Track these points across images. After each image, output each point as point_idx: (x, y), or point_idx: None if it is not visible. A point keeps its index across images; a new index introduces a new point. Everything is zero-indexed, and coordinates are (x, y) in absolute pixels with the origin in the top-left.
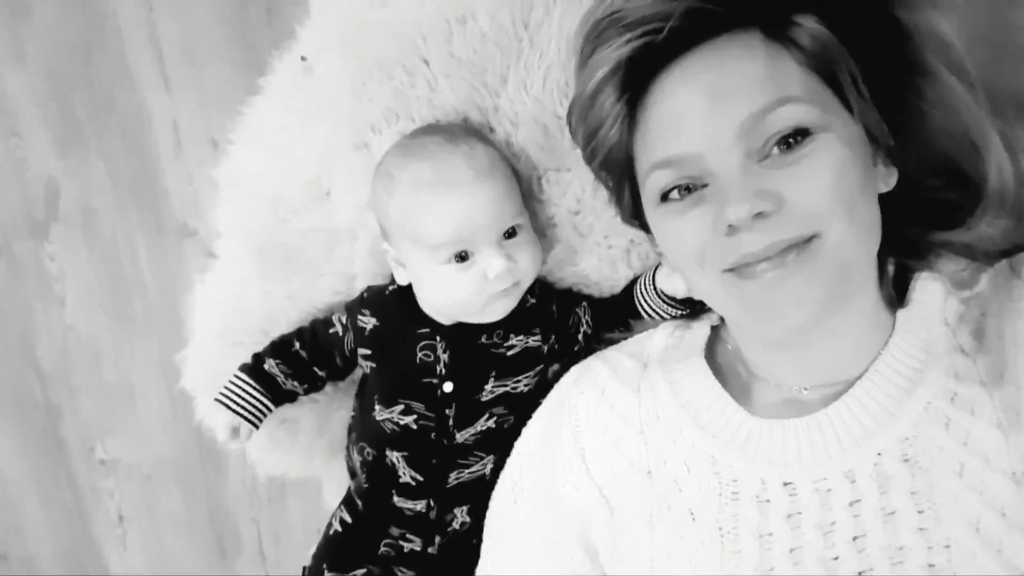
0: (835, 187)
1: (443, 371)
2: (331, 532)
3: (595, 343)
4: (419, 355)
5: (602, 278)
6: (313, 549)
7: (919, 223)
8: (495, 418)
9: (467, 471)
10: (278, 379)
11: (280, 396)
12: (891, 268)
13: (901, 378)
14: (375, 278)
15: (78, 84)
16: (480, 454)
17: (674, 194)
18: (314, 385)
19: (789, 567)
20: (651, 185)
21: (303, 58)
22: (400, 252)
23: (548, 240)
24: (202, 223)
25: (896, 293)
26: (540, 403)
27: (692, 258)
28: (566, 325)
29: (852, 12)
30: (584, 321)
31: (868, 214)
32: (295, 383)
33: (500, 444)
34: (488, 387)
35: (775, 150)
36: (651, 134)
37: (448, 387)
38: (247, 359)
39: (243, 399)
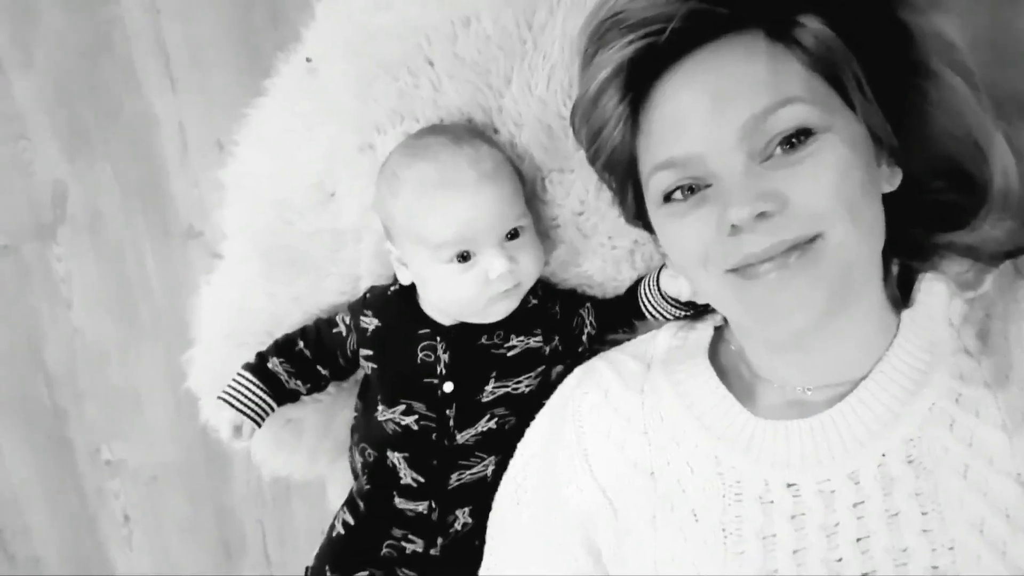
0: (838, 187)
1: (443, 371)
2: (333, 534)
3: (599, 344)
4: (420, 355)
5: (606, 279)
6: (316, 551)
7: (923, 224)
8: (496, 419)
9: (468, 472)
10: (281, 378)
11: (283, 395)
12: (895, 269)
13: (906, 379)
14: (379, 279)
15: (85, 88)
16: (481, 455)
17: (677, 195)
18: (317, 385)
19: (793, 568)
20: (654, 186)
21: (308, 59)
22: (403, 252)
23: (552, 241)
24: (208, 225)
25: (900, 294)
26: (543, 404)
27: (695, 259)
28: (570, 326)
29: (856, 13)
30: (588, 322)
31: (871, 214)
32: (298, 382)
33: (502, 445)
34: (489, 388)
35: (778, 150)
36: (654, 135)
37: (448, 387)
38: (252, 358)
39: (246, 397)
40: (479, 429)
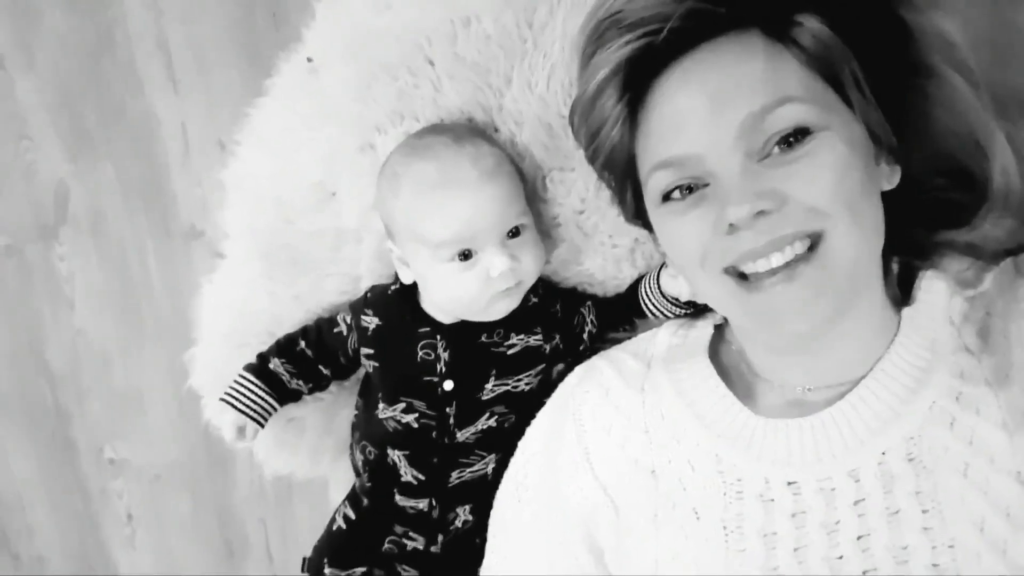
0: (836, 184)
1: (443, 369)
2: (334, 527)
3: (600, 342)
4: (420, 354)
5: (607, 277)
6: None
7: (924, 223)
8: (496, 417)
9: (468, 470)
10: (283, 378)
11: (285, 395)
12: (896, 267)
13: (907, 377)
14: (380, 278)
15: (87, 89)
16: (481, 453)
17: (676, 194)
18: (319, 384)
19: (794, 566)
20: (653, 185)
21: (309, 60)
22: (404, 251)
23: (552, 240)
24: (209, 225)
25: (901, 292)
26: (543, 403)
27: (693, 258)
28: (571, 325)
29: (856, 12)
30: (589, 320)
31: (871, 212)
32: (300, 382)
33: (502, 443)
34: (488, 386)
35: (776, 149)
36: (652, 135)
37: (448, 385)
38: (253, 359)
39: (248, 398)
40: (479, 427)
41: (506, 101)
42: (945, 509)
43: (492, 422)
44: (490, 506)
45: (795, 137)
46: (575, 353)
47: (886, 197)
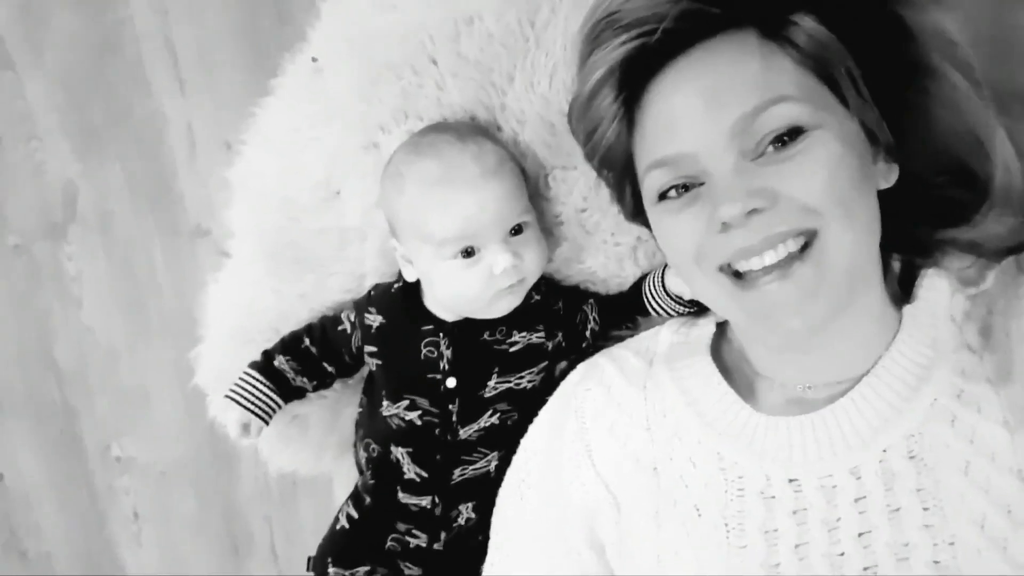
0: (829, 182)
1: (446, 367)
2: (337, 527)
3: (602, 340)
4: (423, 351)
5: (609, 275)
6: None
7: (925, 220)
8: (499, 414)
9: (471, 468)
10: (287, 375)
11: (289, 392)
12: (896, 265)
13: (908, 374)
14: (384, 277)
15: (95, 89)
16: (484, 451)
17: (671, 193)
18: (323, 381)
19: (795, 563)
20: (649, 184)
21: (314, 59)
22: (408, 249)
23: (555, 238)
24: (216, 224)
25: (902, 290)
26: (546, 400)
27: (689, 256)
28: (573, 322)
29: (853, 10)
30: (591, 318)
31: (866, 211)
32: (304, 379)
33: (504, 441)
34: (491, 383)
35: (769, 148)
36: (648, 135)
37: (451, 383)
38: (258, 357)
39: (253, 395)
40: (482, 425)
41: (509, 100)
42: (946, 506)
43: (495, 419)
44: (493, 503)
45: (788, 136)
46: (578, 351)
47: (887, 195)
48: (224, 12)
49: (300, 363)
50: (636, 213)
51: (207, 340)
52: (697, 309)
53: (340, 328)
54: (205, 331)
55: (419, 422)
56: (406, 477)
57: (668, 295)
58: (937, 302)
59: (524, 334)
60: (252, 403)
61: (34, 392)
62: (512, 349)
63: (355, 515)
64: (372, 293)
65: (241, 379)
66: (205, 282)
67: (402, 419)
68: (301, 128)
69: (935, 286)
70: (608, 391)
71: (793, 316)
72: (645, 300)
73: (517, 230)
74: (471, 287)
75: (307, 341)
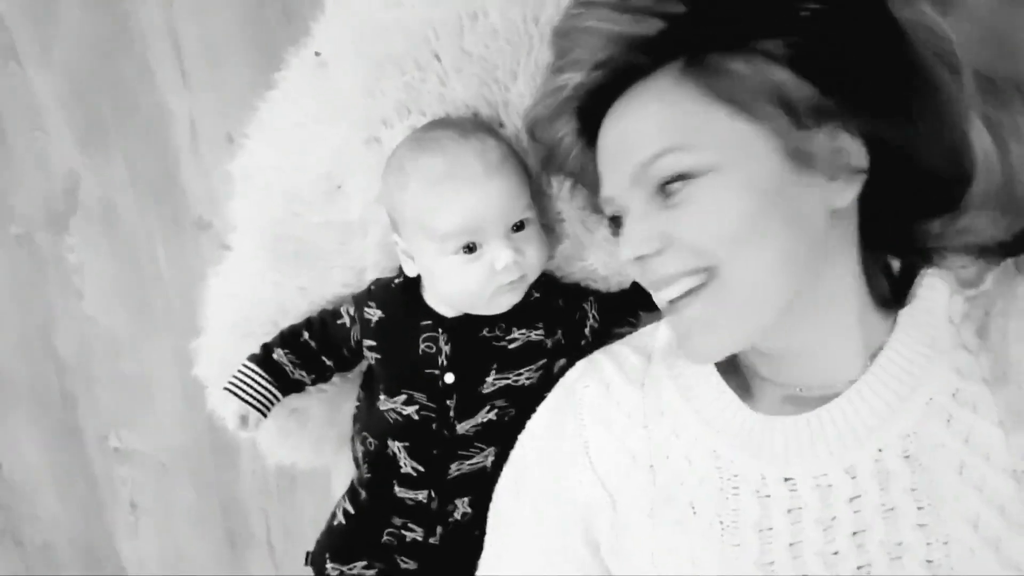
0: (719, 225)
1: (444, 362)
2: (335, 523)
3: (602, 338)
4: (421, 346)
5: (610, 273)
6: (318, 537)
7: (910, 211)
8: (496, 410)
9: (468, 463)
10: (286, 368)
11: (288, 385)
12: (896, 267)
13: (904, 373)
14: (385, 271)
15: (101, 82)
16: (481, 446)
17: (611, 223)
18: (322, 375)
19: (789, 561)
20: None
21: (317, 53)
22: (410, 244)
23: (556, 235)
24: (218, 216)
25: (901, 292)
26: (544, 397)
27: (633, 277)
28: (573, 320)
29: (841, 13)
30: (591, 315)
31: (776, 243)
32: (303, 373)
33: (501, 436)
34: (489, 379)
35: (669, 190)
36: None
37: (449, 378)
38: (258, 349)
39: (252, 388)
40: (479, 420)
41: (512, 96)
42: (940, 506)
43: (492, 415)
44: (489, 498)
45: (679, 182)
46: (577, 348)
47: (873, 192)
48: (229, 6)
49: (299, 356)
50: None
51: (207, 332)
52: None
53: (339, 322)
54: (205, 323)
55: (416, 417)
56: (403, 471)
57: None
58: (935, 302)
59: (523, 331)
60: (250, 395)
61: (35, 382)
62: (511, 346)
63: (351, 510)
64: (372, 287)
65: (240, 371)
66: (206, 274)
67: (399, 413)
68: (304, 122)
69: (933, 286)
70: (607, 388)
71: (702, 339)
72: (645, 297)
73: (519, 227)
74: (472, 283)
75: (306, 335)
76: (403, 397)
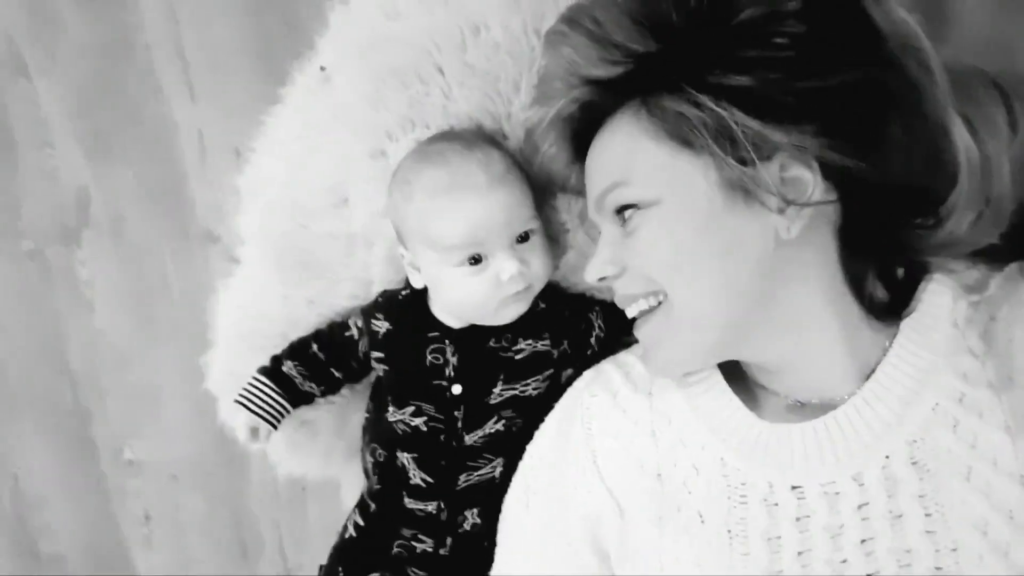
0: (662, 254)
1: (451, 374)
2: (346, 535)
3: (609, 347)
4: (429, 358)
5: None
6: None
7: (897, 215)
8: (504, 421)
9: (476, 473)
10: (295, 380)
11: (297, 397)
12: (900, 273)
13: (908, 379)
14: (392, 284)
15: (108, 96)
16: (489, 456)
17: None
18: (331, 387)
19: (797, 569)
20: None
21: (322, 68)
22: (416, 256)
23: (561, 246)
24: (225, 230)
25: (907, 298)
26: (551, 407)
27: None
28: (579, 330)
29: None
30: (597, 325)
31: (721, 271)
32: (312, 384)
33: (509, 447)
34: (496, 390)
35: (624, 218)
36: None
37: (457, 389)
38: (267, 362)
39: (261, 400)
40: (487, 431)
41: (514, 108)
42: (948, 512)
43: (500, 426)
44: (499, 509)
45: (626, 212)
46: (583, 358)
47: (862, 200)
48: (235, 20)
49: (308, 368)
50: None
51: (216, 345)
52: None
53: (347, 334)
54: (215, 336)
55: (424, 428)
56: (412, 482)
57: None
58: (939, 307)
59: (530, 341)
60: (261, 408)
61: (47, 395)
62: (518, 356)
63: (361, 523)
64: (380, 299)
65: (250, 384)
66: (215, 287)
67: (408, 424)
68: (310, 135)
69: (937, 292)
70: (614, 398)
71: (655, 359)
72: None
73: (524, 237)
74: (478, 294)
75: (315, 347)
76: (411, 408)
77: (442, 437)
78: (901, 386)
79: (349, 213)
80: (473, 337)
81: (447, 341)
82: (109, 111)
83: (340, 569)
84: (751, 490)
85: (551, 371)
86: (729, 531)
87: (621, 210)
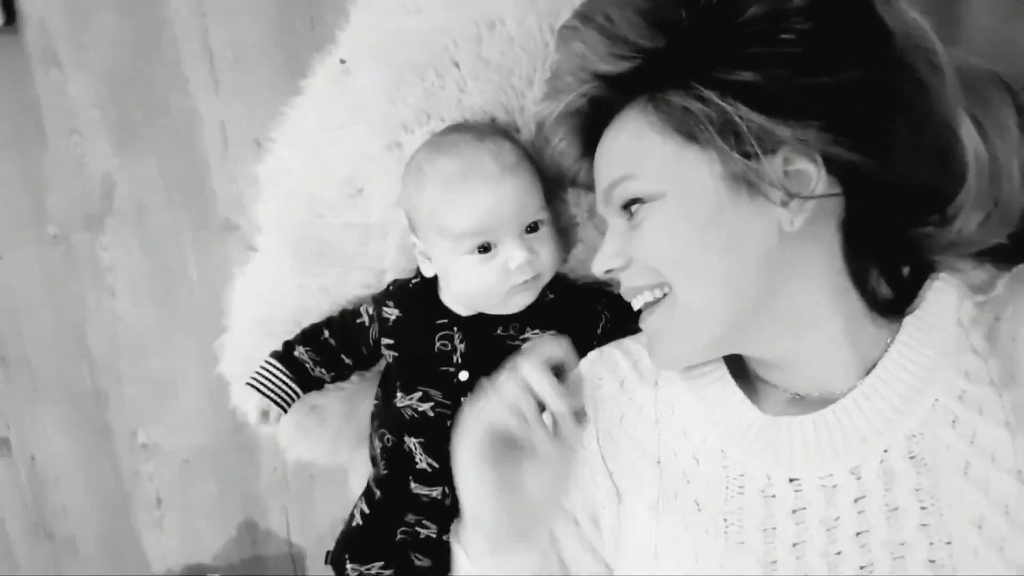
0: (666, 247)
1: (459, 360)
2: (353, 523)
3: (616, 338)
4: (437, 344)
5: None
6: (336, 537)
7: (904, 214)
8: None
9: None
10: (307, 366)
11: (308, 382)
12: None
13: (909, 375)
14: (403, 272)
15: (134, 87)
16: None
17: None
18: (341, 373)
19: (792, 561)
20: None
21: (342, 61)
22: (427, 244)
23: (570, 239)
24: (244, 219)
25: (912, 296)
26: None
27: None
28: (586, 320)
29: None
30: (604, 316)
31: (725, 264)
32: (323, 370)
33: None
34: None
35: (631, 212)
36: None
37: (464, 376)
38: (280, 347)
39: (273, 383)
40: None
41: (528, 102)
42: (944, 506)
43: None
44: None
45: (637, 204)
46: (590, 348)
47: (858, 203)
48: (259, 15)
49: (319, 354)
50: None
51: (231, 330)
52: None
53: (359, 321)
54: (230, 321)
55: (431, 413)
56: (418, 467)
57: None
58: (943, 306)
59: (537, 331)
60: (272, 391)
61: (67, 377)
62: (525, 345)
63: (367, 510)
64: (391, 288)
65: (262, 368)
66: (232, 275)
67: (415, 410)
68: (328, 127)
69: (942, 290)
70: (621, 384)
71: (658, 351)
72: None
73: (533, 227)
74: (486, 282)
75: (327, 333)
76: (419, 394)
77: (448, 422)
78: (901, 382)
79: (365, 203)
80: (481, 325)
81: (455, 328)
82: (136, 102)
83: (346, 555)
84: (749, 481)
85: None
86: (725, 520)
87: (628, 204)
